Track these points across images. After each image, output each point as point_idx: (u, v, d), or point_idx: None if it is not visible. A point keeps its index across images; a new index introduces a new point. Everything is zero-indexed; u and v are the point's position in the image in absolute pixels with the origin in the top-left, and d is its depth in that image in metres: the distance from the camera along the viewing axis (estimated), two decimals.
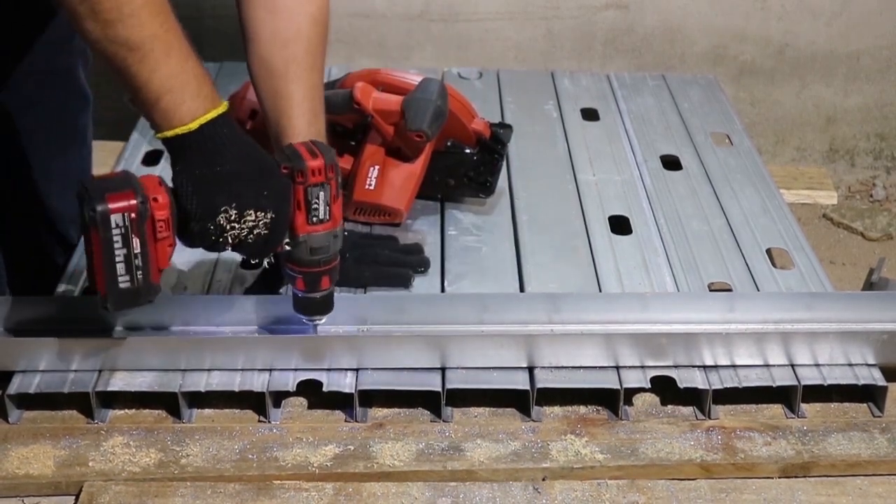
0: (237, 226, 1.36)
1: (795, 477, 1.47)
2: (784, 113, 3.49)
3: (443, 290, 1.75)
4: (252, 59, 1.65)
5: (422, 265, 1.76)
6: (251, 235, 1.37)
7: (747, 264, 1.82)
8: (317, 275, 1.46)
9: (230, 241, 1.38)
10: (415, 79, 1.88)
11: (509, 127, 2.03)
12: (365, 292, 1.71)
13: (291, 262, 1.45)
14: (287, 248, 1.43)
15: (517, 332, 1.57)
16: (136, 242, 1.32)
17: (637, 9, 3.28)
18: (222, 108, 1.38)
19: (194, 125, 1.35)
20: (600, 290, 1.75)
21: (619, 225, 1.94)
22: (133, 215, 1.31)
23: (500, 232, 1.91)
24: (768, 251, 1.87)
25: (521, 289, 1.76)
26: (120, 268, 1.32)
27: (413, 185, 1.88)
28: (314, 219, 1.41)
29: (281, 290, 1.66)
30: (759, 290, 1.76)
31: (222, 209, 1.35)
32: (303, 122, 1.62)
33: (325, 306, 1.51)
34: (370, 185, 1.87)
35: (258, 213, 1.36)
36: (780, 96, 3.46)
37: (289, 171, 1.39)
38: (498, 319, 1.58)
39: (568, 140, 2.24)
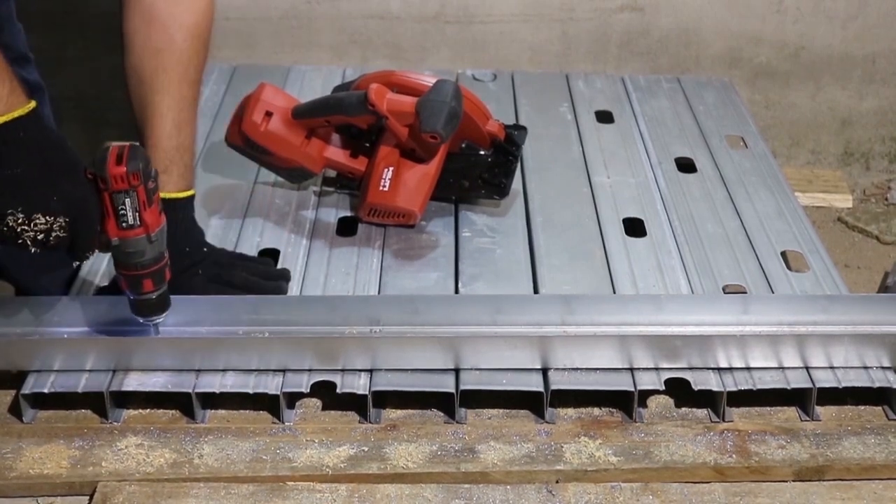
0: (27, 228, 1.37)
1: (810, 480, 1.46)
2: (799, 116, 3.48)
3: (457, 291, 1.76)
4: (126, 66, 1.66)
5: (277, 291, 1.73)
6: (49, 238, 1.38)
7: (762, 267, 1.82)
8: (137, 277, 1.45)
9: (28, 242, 1.38)
10: (429, 80, 1.88)
11: (524, 129, 2.03)
12: None
13: (115, 264, 1.46)
14: (107, 250, 1.44)
15: (531, 333, 1.56)
16: None
17: (652, 11, 3.28)
18: (20, 111, 1.38)
19: None
20: (614, 293, 1.75)
21: (634, 227, 1.94)
22: None
23: (515, 234, 1.91)
24: (783, 254, 1.87)
25: (535, 290, 1.76)
26: None
27: (427, 186, 1.88)
28: (123, 224, 1.41)
29: None
30: (773, 292, 1.75)
31: (9, 212, 1.36)
32: (163, 134, 1.63)
33: (158, 307, 1.49)
34: (384, 186, 1.87)
35: (47, 216, 1.37)
36: (795, 99, 3.46)
37: (93, 177, 1.40)
38: (512, 321, 1.58)
39: (582, 142, 2.24)
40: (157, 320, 1.50)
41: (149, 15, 1.64)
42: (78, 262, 1.45)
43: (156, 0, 1.65)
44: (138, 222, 1.41)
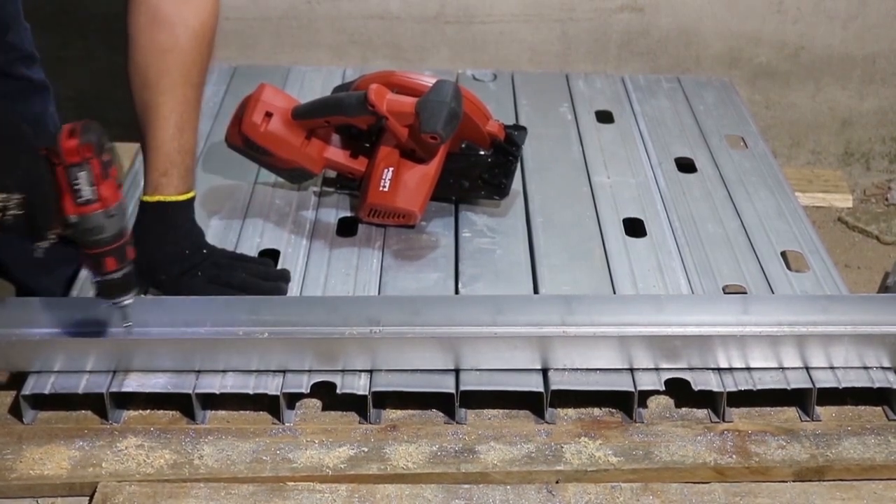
0: None
1: (810, 481, 1.46)
2: (799, 116, 3.48)
3: (457, 291, 1.75)
4: (129, 66, 1.66)
5: (276, 292, 1.72)
6: (7, 216, 1.37)
7: (762, 267, 1.82)
8: (99, 256, 1.43)
9: None
10: (429, 81, 1.88)
11: (524, 129, 2.03)
12: None
13: (77, 244, 1.44)
14: (67, 229, 1.43)
15: (531, 333, 1.57)
16: None
17: (652, 11, 3.28)
18: None
19: None
20: (614, 293, 1.75)
21: (634, 227, 1.94)
22: None
23: (515, 234, 1.91)
24: (783, 254, 1.87)
25: (535, 291, 1.76)
26: None
27: (427, 186, 1.88)
28: (80, 199, 1.40)
29: None
30: (773, 292, 1.75)
31: None
32: (166, 136, 1.63)
33: (122, 287, 1.46)
34: (384, 186, 1.87)
35: (2, 193, 1.36)
36: (795, 99, 3.46)
37: (46, 152, 1.39)
38: (512, 321, 1.58)
39: (582, 142, 2.24)
40: (125, 301, 1.48)
41: (154, 15, 1.64)
42: (39, 245, 1.44)
43: (162, 0, 1.65)
44: (95, 197, 1.40)
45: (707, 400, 1.55)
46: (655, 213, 1.98)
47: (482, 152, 1.95)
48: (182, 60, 1.65)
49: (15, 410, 1.52)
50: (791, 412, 1.56)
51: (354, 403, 1.53)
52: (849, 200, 3.46)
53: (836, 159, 3.57)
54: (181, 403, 1.52)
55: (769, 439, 1.50)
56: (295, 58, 3.22)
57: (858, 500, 1.43)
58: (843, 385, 1.55)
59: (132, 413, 1.53)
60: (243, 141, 1.91)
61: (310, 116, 1.89)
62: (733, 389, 1.54)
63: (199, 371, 1.54)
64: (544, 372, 1.56)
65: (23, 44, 2.21)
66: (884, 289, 1.73)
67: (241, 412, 1.54)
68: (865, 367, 1.58)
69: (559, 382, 1.54)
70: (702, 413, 1.55)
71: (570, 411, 1.55)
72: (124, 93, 1.69)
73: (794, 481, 1.46)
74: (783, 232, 1.93)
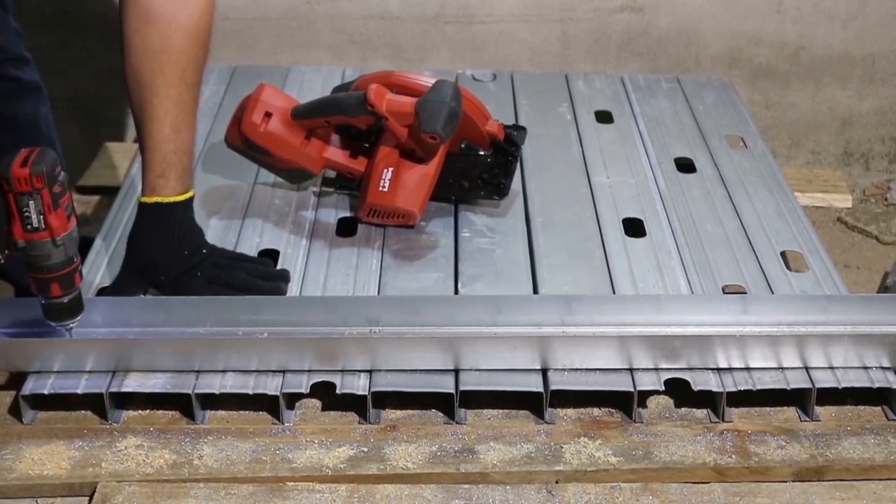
0: None
1: (809, 481, 1.46)
2: (799, 116, 3.48)
3: (456, 291, 1.76)
4: (125, 68, 1.66)
5: (275, 292, 1.73)
6: None
7: (761, 267, 1.82)
8: (45, 281, 1.45)
9: None
10: (428, 81, 1.88)
11: (523, 129, 2.03)
12: None
13: (26, 267, 1.45)
14: (16, 251, 1.44)
15: (531, 333, 1.56)
16: None
17: (652, 11, 3.28)
18: None
19: None
20: (614, 293, 1.75)
21: (633, 227, 1.94)
22: None
23: (514, 234, 1.91)
24: (783, 254, 1.87)
25: (535, 291, 1.76)
26: None
27: (427, 186, 1.88)
28: (28, 227, 1.41)
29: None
30: (773, 292, 1.75)
31: None
32: (161, 137, 1.63)
33: (68, 312, 1.48)
34: (384, 186, 1.87)
35: None
36: (794, 99, 3.45)
37: None
38: (511, 321, 1.58)
39: (582, 142, 2.24)
40: (70, 324, 1.50)
41: (147, 15, 1.64)
42: None
43: (154, 0, 1.65)
44: (42, 225, 1.41)
45: (707, 400, 1.55)
46: (655, 214, 1.98)
47: (482, 152, 1.95)
48: (176, 61, 1.64)
49: (15, 410, 1.52)
50: (790, 412, 1.56)
51: (354, 403, 1.53)
52: (848, 200, 3.46)
53: (835, 159, 3.57)
54: (181, 403, 1.52)
55: (769, 439, 1.50)
56: (295, 58, 3.22)
57: (858, 500, 1.43)
58: (843, 385, 1.55)
59: (132, 413, 1.53)
60: (243, 141, 1.91)
61: (309, 116, 1.89)
62: (733, 389, 1.54)
63: (198, 371, 1.54)
64: (544, 372, 1.56)
65: (11, 46, 2.21)
66: (883, 289, 1.73)
67: (241, 412, 1.54)
68: (865, 367, 1.58)
69: (559, 382, 1.54)
70: (701, 413, 1.55)
71: (570, 411, 1.55)
72: (124, 93, 1.69)
73: (793, 481, 1.46)
74: (783, 232, 1.93)
